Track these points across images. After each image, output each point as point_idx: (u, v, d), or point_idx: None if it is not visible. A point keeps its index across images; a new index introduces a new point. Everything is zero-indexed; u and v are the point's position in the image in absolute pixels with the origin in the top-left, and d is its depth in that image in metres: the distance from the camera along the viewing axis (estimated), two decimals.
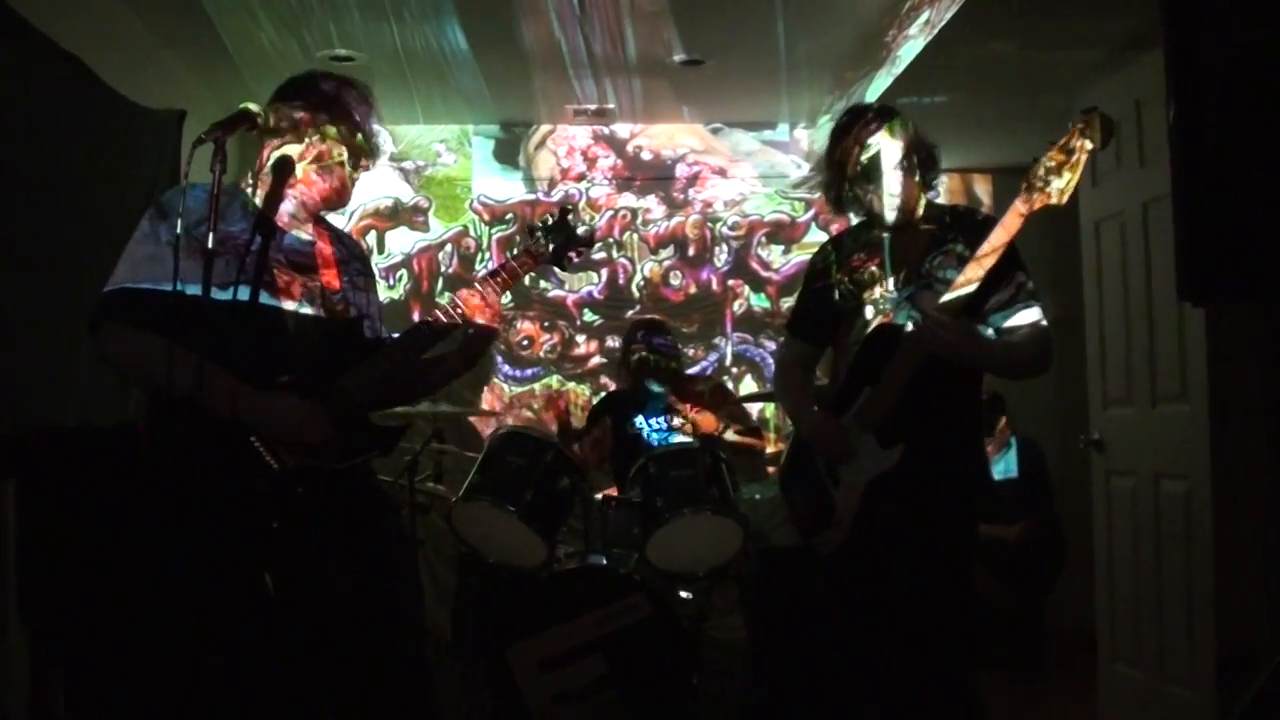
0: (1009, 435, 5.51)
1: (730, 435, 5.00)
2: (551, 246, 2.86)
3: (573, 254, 2.90)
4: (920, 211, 3.05)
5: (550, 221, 2.89)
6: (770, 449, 5.97)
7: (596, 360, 6.69)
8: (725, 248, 6.79)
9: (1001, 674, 4.85)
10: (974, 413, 3.15)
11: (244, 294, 2.38)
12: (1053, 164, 2.71)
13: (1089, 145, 2.69)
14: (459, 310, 2.71)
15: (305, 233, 2.74)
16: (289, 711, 2.55)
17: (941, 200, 3.33)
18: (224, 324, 2.37)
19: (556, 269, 3.23)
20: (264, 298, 2.50)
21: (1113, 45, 4.58)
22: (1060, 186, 2.70)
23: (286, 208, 2.66)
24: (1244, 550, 3.62)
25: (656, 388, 4.98)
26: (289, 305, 2.60)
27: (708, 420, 4.85)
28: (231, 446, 2.45)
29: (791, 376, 3.37)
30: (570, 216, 2.90)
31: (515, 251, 2.98)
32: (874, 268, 3.06)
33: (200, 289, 2.26)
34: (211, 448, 2.35)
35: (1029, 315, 2.94)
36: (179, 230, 2.32)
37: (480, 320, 2.72)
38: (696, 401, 4.96)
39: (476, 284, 2.75)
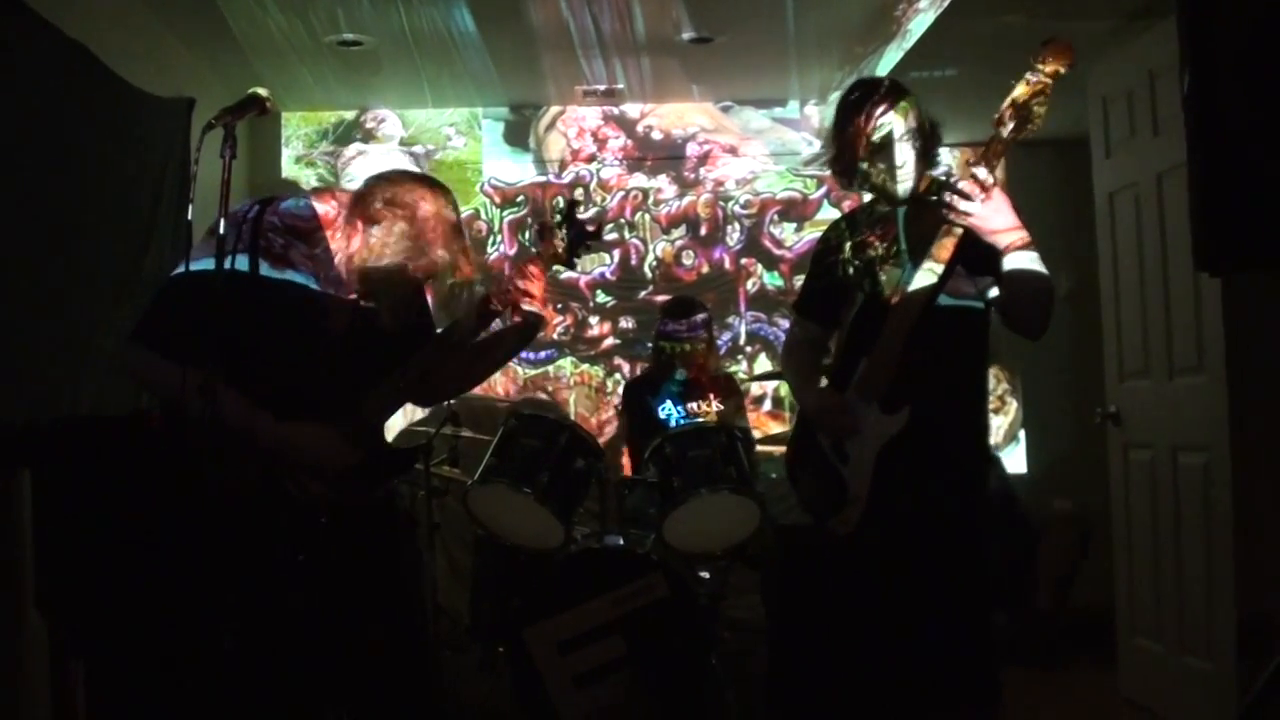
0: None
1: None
2: (566, 245, 2.83)
3: (581, 250, 2.87)
4: (925, 187, 3.01)
5: (558, 220, 2.84)
6: (784, 428, 5.95)
7: (610, 342, 6.69)
8: (737, 226, 6.77)
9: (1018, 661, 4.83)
10: (980, 370, 3.10)
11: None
12: (1023, 98, 2.79)
13: (1058, 70, 2.77)
14: (509, 296, 2.72)
15: None
16: (300, 708, 2.57)
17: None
18: (272, 308, 2.49)
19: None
20: (308, 282, 2.56)
21: (1124, 15, 4.54)
22: (1038, 113, 2.78)
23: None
24: (1263, 522, 3.60)
25: (678, 376, 4.95)
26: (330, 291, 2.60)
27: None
28: (252, 474, 2.49)
29: (799, 359, 3.32)
30: (575, 212, 2.84)
31: (529, 258, 2.94)
32: (887, 244, 3.02)
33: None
34: (229, 468, 2.38)
35: (1036, 262, 2.83)
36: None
37: (530, 308, 2.75)
38: (710, 390, 4.95)
39: (529, 266, 2.77)
